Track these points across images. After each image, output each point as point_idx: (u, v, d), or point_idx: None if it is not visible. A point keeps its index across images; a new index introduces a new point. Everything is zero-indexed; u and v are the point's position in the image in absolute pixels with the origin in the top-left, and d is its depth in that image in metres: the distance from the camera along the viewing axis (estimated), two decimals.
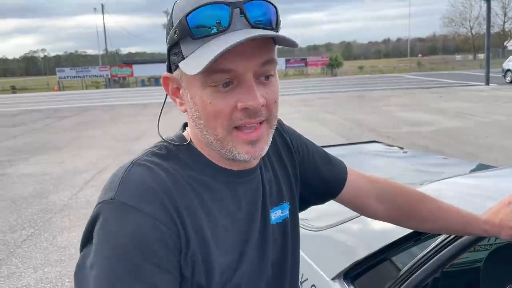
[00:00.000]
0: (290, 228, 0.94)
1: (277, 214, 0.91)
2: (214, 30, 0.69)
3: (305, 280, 1.70)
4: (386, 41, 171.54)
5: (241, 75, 0.71)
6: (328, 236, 1.71)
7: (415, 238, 1.35)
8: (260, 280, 0.86)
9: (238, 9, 0.70)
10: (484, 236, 1.11)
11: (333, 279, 1.54)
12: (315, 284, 1.63)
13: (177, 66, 0.76)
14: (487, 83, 21.36)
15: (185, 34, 0.71)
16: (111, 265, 0.67)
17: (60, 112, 18.62)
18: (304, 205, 1.06)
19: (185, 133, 0.85)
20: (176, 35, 0.73)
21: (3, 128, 14.10)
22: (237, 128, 0.75)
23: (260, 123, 0.76)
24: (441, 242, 1.22)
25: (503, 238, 1.07)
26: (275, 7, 0.74)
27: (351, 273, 1.52)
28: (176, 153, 0.80)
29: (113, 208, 0.70)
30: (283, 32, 0.76)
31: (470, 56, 71.03)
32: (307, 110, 14.93)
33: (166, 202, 0.71)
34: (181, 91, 0.79)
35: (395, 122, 11.41)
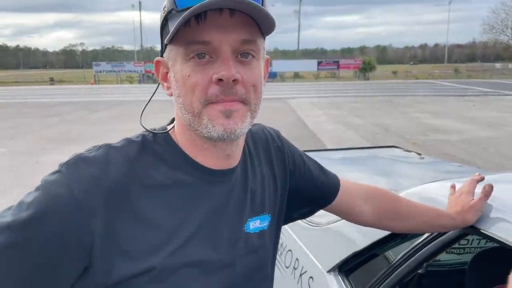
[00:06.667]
0: (267, 240, 0.93)
1: (255, 224, 0.89)
2: (198, 2, 0.69)
3: (304, 272, 1.80)
4: (423, 47, 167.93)
5: (218, 48, 0.72)
6: (328, 231, 1.79)
7: (403, 234, 1.43)
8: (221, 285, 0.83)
9: None
10: (456, 229, 1.18)
11: (328, 271, 1.64)
12: (313, 276, 1.72)
13: (166, 47, 0.78)
14: None
15: (171, 7, 0.73)
16: None
17: (94, 105, 19.18)
18: (301, 214, 1.11)
19: (169, 126, 0.87)
20: (164, 12, 0.76)
21: (40, 118, 14.68)
22: (213, 103, 0.75)
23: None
24: (424, 239, 1.29)
25: (469, 221, 1.14)
26: None
27: (345, 266, 1.60)
28: (151, 143, 0.82)
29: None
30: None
31: (511, 65, 68.85)
32: (335, 113, 14.90)
33: (102, 186, 0.72)
34: (168, 74, 0.80)
35: (423, 129, 11.28)
